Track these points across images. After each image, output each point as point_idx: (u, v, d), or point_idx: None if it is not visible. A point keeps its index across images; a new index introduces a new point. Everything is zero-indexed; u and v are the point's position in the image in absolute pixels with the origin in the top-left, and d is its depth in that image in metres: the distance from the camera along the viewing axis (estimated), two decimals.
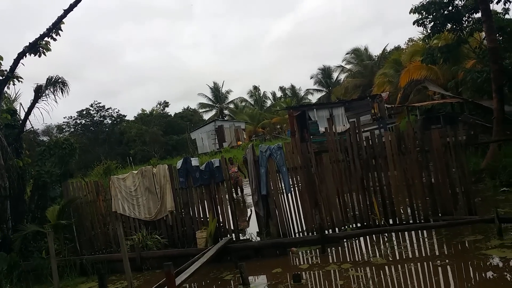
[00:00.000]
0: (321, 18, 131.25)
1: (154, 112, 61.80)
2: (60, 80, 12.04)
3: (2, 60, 11.17)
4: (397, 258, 7.76)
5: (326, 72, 60.87)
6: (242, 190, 17.97)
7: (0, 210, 10.94)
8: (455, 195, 9.07)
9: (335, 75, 60.51)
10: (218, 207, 10.35)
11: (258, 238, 10.01)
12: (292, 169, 9.94)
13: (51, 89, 11.93)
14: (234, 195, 14.69)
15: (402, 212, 9.36)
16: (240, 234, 10.53)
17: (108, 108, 56.08)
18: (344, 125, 24.79)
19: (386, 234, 8.89)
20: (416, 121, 22.93)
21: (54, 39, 11.38)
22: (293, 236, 9.77)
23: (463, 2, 16.12)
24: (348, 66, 54.58)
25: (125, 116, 58.15)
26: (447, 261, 7.16)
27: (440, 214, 9.03)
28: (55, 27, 11.22)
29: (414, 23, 17.02)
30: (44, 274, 9.60)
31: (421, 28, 17.57)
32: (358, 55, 52.19)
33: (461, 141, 9.11)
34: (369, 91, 38.55)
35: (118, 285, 9.04)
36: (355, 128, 9.90)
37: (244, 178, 17.49)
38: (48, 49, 11.40)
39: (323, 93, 61.02)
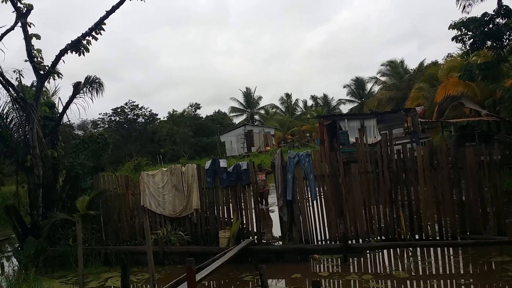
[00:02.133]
0: (356, 30, 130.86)
1: (186, 113, 62.66)
2: (97, 80, 12.53)
3: (40, 53, 11.56)
4: (420, 273, 7.62)
5: (359, 83, 60.42)
6: (267, 202, 16.34)
7: (33, 197, 11.37)
8: (485, 214, 8.83)
9: (368, 86, 60.11)
10: (243, 209, 10.43)
11: (280, 242, 9.99)
12: (319, 177, 9.87)
13: (88, 88, 12.40)
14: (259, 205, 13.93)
15: (429, 228, 9.17)
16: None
17: (141, 107, 57.42)
18: (375, 137, 24.40)
19: (411, 249, 8.74)
20: (450, 137, 22.42)
21: (96, 39, 11.72)
22: (316, 243, 9.71)
23: (504, 21, 15.71)
24: (382, 78, 53.89)
25: (157, 114, 59.38)
26: (471, 280, 7.01)
27: (468, 233, 8.81)
28: (97, 27, 11.56)
29: (453, 39, 16.67)
30: (69, 261, 9.94)
31: (459, 44, 17.22)
32: (394, 67, 51.38)
33: (496, 160, 8.86)
34: (403, 104, 37.91)
35: (139, 276, 9.27)
36: (386, 141, 9.75)
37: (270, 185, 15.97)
38: (88, 49, 11.73)
39: (355, 104, 60.50)
